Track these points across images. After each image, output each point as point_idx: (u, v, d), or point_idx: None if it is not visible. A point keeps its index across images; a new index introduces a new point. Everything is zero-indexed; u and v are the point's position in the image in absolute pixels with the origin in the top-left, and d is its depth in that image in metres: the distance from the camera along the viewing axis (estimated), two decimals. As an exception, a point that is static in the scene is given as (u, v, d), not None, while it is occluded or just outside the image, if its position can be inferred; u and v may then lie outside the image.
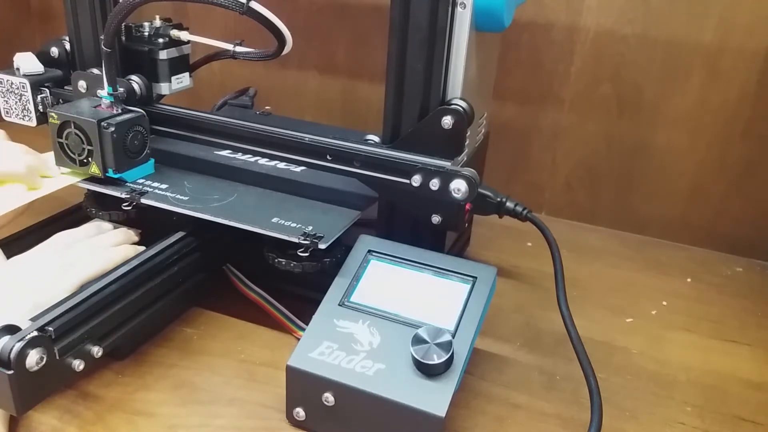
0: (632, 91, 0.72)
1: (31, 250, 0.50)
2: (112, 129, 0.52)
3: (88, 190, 0.56)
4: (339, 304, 0.47)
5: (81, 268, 0.48)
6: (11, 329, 0.39)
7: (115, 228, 0.55)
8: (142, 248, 0.53)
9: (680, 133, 0.72)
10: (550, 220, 0.74)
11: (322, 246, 0.48)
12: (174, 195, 0.55)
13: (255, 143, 0.57)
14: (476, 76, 0.54)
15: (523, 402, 0.50)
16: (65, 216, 0.60)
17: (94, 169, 0.54)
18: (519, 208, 0.58)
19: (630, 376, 0.53)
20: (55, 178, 0.55)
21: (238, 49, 0.58)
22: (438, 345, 0.42)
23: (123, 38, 0.60)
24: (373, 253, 0.51)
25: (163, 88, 0.61)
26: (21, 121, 0.62)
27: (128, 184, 0.55)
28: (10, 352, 0.38)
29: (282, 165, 0.58)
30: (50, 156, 0.56)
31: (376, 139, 0.56)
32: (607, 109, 0.74)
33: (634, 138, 0.74)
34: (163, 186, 0.56)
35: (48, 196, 0.54)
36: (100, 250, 0.50)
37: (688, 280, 0.68)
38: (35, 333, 0.39)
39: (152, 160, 0.58)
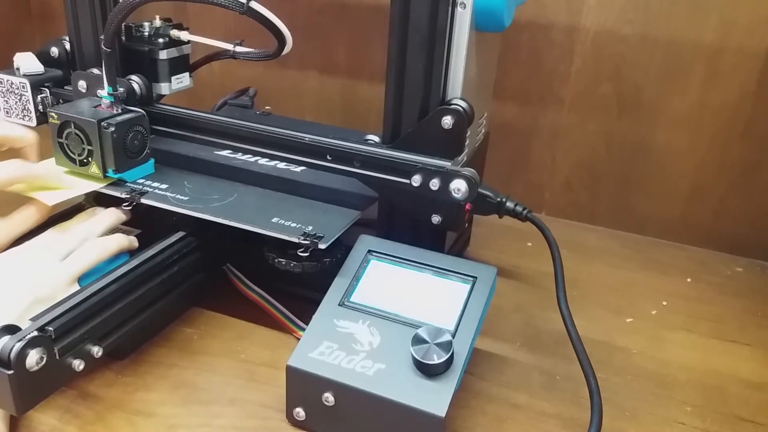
0: (632, 91, 0.72)
1: (26, 242, 0.50)
2: (112, 129, 0.52)
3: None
4: (339, 304, 0.47)
5: (76, 260, 0.48)
6: (11, 329, 0.39)
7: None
8: (134, 238, 0.53)
9: (680, 133, 0.72)
10: (550, 220, 0.74)
11: (322, 246, 0.48)
12: (174, 195, 0.55)
13: (255, 143, 0.57)
14: (476, 76, 0.54)
15: (523, 402, 0.50)
16: (65, 216, 0.59)
17: (94, 169, 0.54)
18: (519, 208, 0.58)
19: (630, 376, 0.53)
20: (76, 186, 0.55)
21: (238, 49, 0.58)
22: (438, 345, 0.42)
23: (123, 38, 0.60)
24: (373, 253, 0.51)
25: (163, 88, 0.61)
26: (21, 121, 0.62)
27: (128, 184, 0.55)
28: (10, 352, 0.38)
29: (282, 165, 0.58)
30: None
31: (376, 139, 0.56)
32: (607, 109, 0.74)
33: (634, 138, 0.74)
34: (163, 186, 0.56)
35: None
36: (95, 239, 0.51)
37: (688, 280, 0.68)
38: (35, 333, 0.39)
39: (152, 160, 0.58)
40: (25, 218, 0.52)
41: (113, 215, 0.54)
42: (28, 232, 0.53)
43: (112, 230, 0.53)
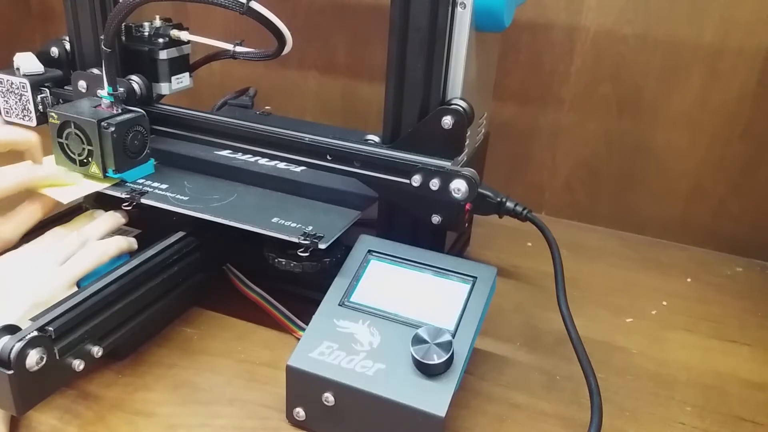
0: (632, 91, 0.72)
1: (23, 246, 0.50)
2: (112, 129, 0.52)
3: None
4: (339, 304, 0.47)
5: (76, 264, 0.48)
6: (11, 329, 0.39)
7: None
8: (133, 240, 0.53)
9: (680, 133, 0.72)
10: (550, 220, 0.74)
11: (322, 246, 0.48)
12: (174, 195, 0.55)
13: (255, 143, 0.57)
14: (476, 76, 0.54)
15: (523, 402, 0.50)
16: (64, 216, 0.59)
17: (94, 169, 0.54)
18: (519, 208, 0.58)
19: (630, 376, 0.53)
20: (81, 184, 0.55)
21: (238, 49, 0.58)
22: (438, 345, 0.42)
23: (123, 38, 0.60)
24: (373, 253, 0.51)
25: (163, 88, 0.61)
26: (21, 121, 0.62)
27: (128, 184, 0.55)
28: (10, 352, 0.38)
29: (282, 165, 0.58)
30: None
31: (376, 139, 0.56)
32: (607, 109, 0.74)
33: (634, 138, 0.74)
34: (163, 186, 0.56)
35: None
36: (94, 243, 0.50)
37: (688, 280, 0.68)
38: (35, 333, 0.39)
39: (152, 160, 0.58)
40: (31, 213, 0.52)
41: (112, 218, 0.54)
42: (28, 234, 0.53)
43: (112, 233, 0.53)
